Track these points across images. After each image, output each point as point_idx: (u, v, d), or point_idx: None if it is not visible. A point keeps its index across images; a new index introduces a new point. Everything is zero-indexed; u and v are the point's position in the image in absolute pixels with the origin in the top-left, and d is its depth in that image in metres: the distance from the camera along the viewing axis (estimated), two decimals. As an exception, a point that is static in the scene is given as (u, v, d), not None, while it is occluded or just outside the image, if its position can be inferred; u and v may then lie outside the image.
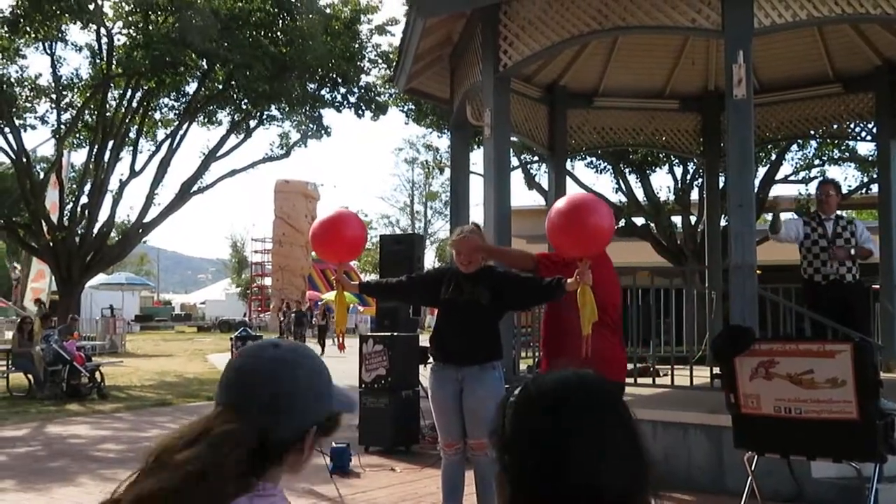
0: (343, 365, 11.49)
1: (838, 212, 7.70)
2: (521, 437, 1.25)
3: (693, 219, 18.51)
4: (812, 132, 11.65)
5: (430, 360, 5.18)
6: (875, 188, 12.70)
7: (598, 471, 1.19)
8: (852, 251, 7.37)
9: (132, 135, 19.38)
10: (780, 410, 4.57)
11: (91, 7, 16.07)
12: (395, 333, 8.23)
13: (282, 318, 33.12)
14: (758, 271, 6.61)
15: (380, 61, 18.77)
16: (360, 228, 5.38)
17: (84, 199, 18.85)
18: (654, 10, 6.90)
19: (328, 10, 18.15)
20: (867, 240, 7.52)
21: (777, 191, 19.50)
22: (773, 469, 5.19)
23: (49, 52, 17.70)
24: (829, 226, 7.43)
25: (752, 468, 4.90)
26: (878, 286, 9.67)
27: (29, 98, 18.43)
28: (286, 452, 1.44)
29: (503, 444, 1.27)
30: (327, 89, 18.81)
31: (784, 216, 7.56)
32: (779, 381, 4.57)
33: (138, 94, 18.39)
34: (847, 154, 19.21)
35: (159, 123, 20.46)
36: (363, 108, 18.78)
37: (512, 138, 9.83)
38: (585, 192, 4.66)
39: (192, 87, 18.93)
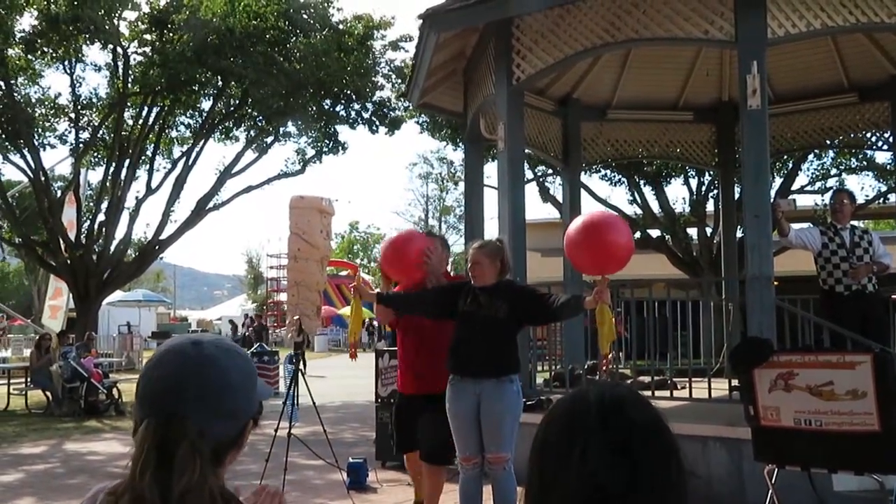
0: (359, 380, 11.52)
1: (852, 222, 7.64)
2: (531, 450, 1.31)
3: (709, 230, 18.44)
4: (828, 142, 11.58)
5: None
6: (893, 197, 12.62)
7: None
8: (874, 267, 7.31)
9: (148, 153, 19.56)
10: (800, 422, 4.53)
11: (107, 27, 16.24)
12: (411, 348, 8.21)
13: (242, 331, 31.66)
14: (775, 282, 6.57)
15: (394, 76, 18.85)
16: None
17: (101, 217, 19.01)
18: (666, 21, 6.90)
19: (341, 27, 18.27)
20: (884, 254, 7.47)
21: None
22: (793, 482, 5.13)
23: (68, 72, 17.93)
24: (846, 235, 7.38)
25: (773, 481, 4.85)
26: (896, 296, 9.58)
27: (48, 117, 18.65)
28: (229, 451, 1.44)
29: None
30: (341, 105, 18.91)
31: (796, 225, 7.48)
32: (798, 393, 4.53)
33: (154, 112, 18.56)
34: (865, 163, 19.10)
35: (175, 140, 20.63)
36: (377, 123, 18.86)
37: (526, 151, 9.83)
38: (604, 210, 4.64)
39: (207, 105, 19.09)
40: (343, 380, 17.53)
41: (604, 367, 4.51)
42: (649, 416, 1.26)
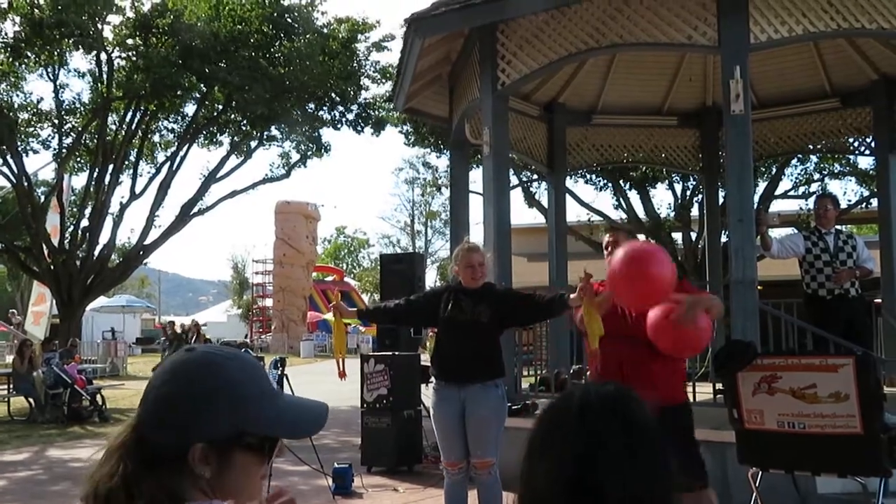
0: (344, 386, 11.48)
1: (837, 226, 7.70)
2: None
3: (694, 235, 18.51)
4: (811, 147, 11.65)
5: (432, 379, 5.15)
6: (875, 202, 12.70)
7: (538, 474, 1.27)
8: (857, 272, 7.37)
9: (132, 157, 19.47)
10: (784, 425, 4.54)
11: (91, 32, 16.16)
12: (396, 353, 8.21)
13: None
14: (759, 286, 6.60)
15: (378, 77, 18.86)
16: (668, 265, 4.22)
17: (85, 223, 18.91)
18: (650, 27, 6.93)
19: (325, 31, 18.25)
20: (867, 258, 7.53)
21: (777, 206, 19.53)
22: (777, 485, 5.15)
23: (51, 77, 17.83)
24: (830, 240, 7.43)
25: (757, 484, 4.87)
26: (879, 300, 9.65)
27: (31, 122, 18.54)
28: (173, 466, 1.32)
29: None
30: (325, 109, 18.89)
31: (777, 232, 7.53)
32: (781, 396, 4.55)
33: (138, 117, 18.48)
34: (848, 168, 19.23)
35: (159, 145, 20.55)
36: (362, 124, 18.84)
37: (511, 156, 9.84)
38: (644, 242, 4.15)
39: (191, 110, 19.03)
40: (328, 385, 17.48)
41: (596, 365, 4.45)
42: (633, 413, 1.29)
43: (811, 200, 18.23)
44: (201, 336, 21.18)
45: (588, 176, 18.75)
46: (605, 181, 19.04)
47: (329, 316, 42.85)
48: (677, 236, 20.13)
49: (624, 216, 19.59)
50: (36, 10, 15.79)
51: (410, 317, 5.56)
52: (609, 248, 4.63)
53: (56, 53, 17.16)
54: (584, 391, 1.34)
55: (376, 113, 18.91)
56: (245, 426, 1.35)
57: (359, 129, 18.88)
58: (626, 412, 1.29)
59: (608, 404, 1.30)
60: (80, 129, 18.52)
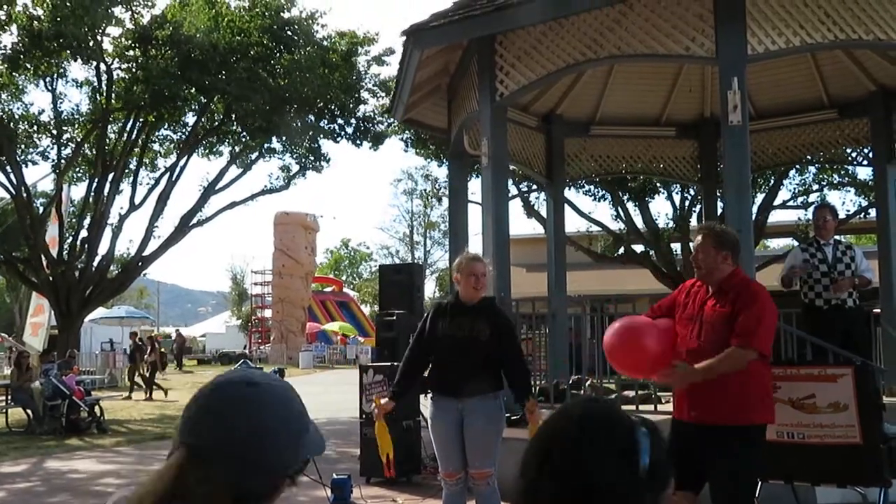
0: (343, 396, 11.51)
1: (836, 236, 7.71)
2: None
3: (692, 245, 18.50)
4: (809, 158, 11.66)
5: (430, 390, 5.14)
6: (874, 212, 12.71)
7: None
8: (856, 281, 7.37)
9: (132, 167, 19.50)
10: (783, 436, 4.54)
11: (90, 43, 16.20)
12: (395, 363, 8.19)
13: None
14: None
15: (378, 91, 18.92)
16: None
17: (84, 233, 18.91)
18: (648, 38, 6.96)
19: (325, 43, 18.31)
20: (866, 268, 7.53)
21: (775, 216, 19.54)
22: (777, 495, 5.15)
23: (50, 88, 17.88)
24: (829, 251, 7.43)
25: (757, 495, 4.86)
26: (878, 310, 9.65)
27: (30, 133, 18.56)
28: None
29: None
30: (325, 120, 18.94)
31: (777, 243, 7.53)
32: (780, 407, 4.55)
33: (137, 127, 18.51)
34: (847, 179, 19.25)
35: (159, 154, 20.60)
36: (360, 138, 18.89)
37: (510, 167, 9.86)
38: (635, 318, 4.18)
39: (191, 120, 19.07)
40: (327, 395, 17.46)
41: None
42: (627, 425, 1.31)
43: (810, 211, 18.28)
44: (156, 350, 21.14)
45: (587, 186, 18.77)
46: (604, 192, 19.06)
47: (328, 326, 42.98)
48: (676, 247, 20.14)
49: (623, 226, 19.60)
50: (35, 22, 15.81)
51: (428, 358, 5.42)
52: (697, 254, 4.63)
53: (55, 64, 17.19)
54: (578, 404, 1.38)
55: (375, 128, 18.97)
56: (304, 452, 1.37)
57: (357, 143, 18.93)
58: (620, 424, 1.31)
59: (607, 416, 1.32)
60: (79, 139, 18.55)
